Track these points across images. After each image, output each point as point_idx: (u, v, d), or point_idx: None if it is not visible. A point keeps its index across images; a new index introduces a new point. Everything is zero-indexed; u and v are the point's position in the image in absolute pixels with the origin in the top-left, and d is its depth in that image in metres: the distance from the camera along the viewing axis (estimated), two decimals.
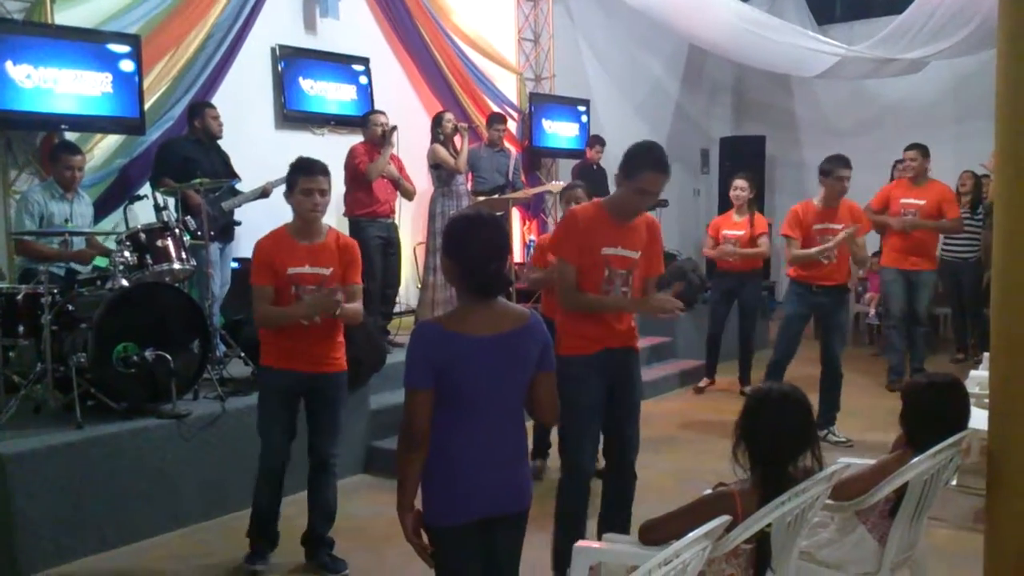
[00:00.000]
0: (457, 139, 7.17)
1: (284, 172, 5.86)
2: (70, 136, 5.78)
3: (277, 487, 3.92)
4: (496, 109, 8.97)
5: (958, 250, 8.00)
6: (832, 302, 5.75)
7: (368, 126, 6.50)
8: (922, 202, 6.81)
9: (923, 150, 6.88)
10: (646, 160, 3.41)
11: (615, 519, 3.56)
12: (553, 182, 9.04)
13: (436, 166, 7.13)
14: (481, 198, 7.42)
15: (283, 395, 3.83)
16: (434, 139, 7.19)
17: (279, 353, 3.79)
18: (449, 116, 7.38)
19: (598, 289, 3.50)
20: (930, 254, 7.02)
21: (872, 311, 9.22)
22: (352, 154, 6.41)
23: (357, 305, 3.84)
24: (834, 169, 5.60)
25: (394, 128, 6.41)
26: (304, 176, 3.72)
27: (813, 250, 5.56)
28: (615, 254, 3.50)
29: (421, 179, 8.14)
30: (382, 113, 6.62)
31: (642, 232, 3.58)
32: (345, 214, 6.45)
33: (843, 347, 5.90)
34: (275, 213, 6.16)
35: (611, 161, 9.25)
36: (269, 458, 3.86)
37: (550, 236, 4.51)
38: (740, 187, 7.03)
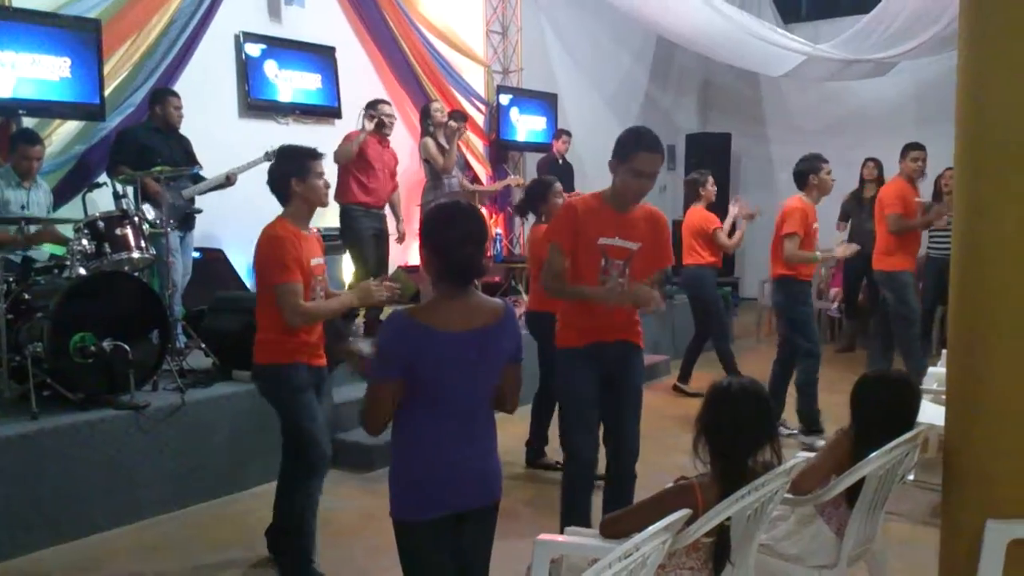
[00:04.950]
0: (443, 134, 7.02)
1: (248, 160, 5.75)
2: (28, 122, 5.66)
3: None
4: (463, 101, 8.93)
5: (946, 247, 7.77)
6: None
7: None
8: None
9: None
10: (639, 141, 3.47)
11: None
12: (512, 176, 9.02)
13: (427, 160, 6.99)
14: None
15: (311, 390, 3.67)
16: (424, 132, 7.02)
17: (302, 349, 3.60)
18: (438, 105, 7.18)
19: (595, 279, 3.51)
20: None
21: (834, 306, 9.37)
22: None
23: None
24: (821, 166, 5.64)
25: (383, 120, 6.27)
26: (315, 160, 3.58)
27: (818, 253, 5.71)
28: (612, 244, 3.52)
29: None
30: (388, 103, 6.49)
31: (642, 224, 3.59)
32: (337, 199, 6.13)
33: None
34: (236, 203, 6.13)
35: (578, 156, 9.29)
36: (327, 448, 3.69)
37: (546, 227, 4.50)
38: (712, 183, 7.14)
